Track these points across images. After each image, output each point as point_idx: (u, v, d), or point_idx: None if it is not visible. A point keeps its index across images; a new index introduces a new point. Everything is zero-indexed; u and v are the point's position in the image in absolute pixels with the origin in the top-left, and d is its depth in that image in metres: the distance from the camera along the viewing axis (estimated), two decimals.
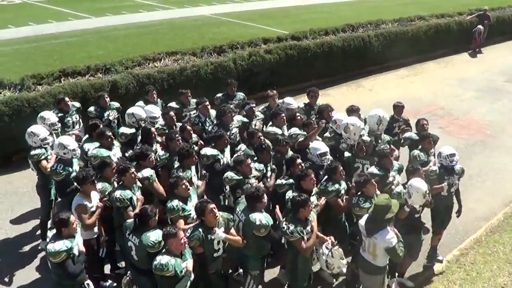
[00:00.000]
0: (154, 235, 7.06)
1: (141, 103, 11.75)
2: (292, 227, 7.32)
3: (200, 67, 16.12)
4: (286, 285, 8.61)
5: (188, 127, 10.31)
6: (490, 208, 11.77)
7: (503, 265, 9.68)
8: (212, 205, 7.18)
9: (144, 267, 7.21)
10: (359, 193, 8.22)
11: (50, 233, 9.78)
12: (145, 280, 7.35)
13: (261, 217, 7.51)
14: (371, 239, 7.32)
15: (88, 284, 7.22)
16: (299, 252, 7.51)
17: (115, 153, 9.74)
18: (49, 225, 10.01)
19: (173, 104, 11.94)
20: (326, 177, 8.75)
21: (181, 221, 7.91)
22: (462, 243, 10.47)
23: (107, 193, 8.46)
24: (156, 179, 8.98)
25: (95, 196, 8.18)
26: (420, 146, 10.12)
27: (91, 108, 11.61)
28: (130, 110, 10.84)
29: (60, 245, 6.74)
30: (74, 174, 9.11)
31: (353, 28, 21.72)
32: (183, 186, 8.04)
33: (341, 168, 8.69)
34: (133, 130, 10.48)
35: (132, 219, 7.42)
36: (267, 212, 7.77)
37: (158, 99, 12.34)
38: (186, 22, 28.32)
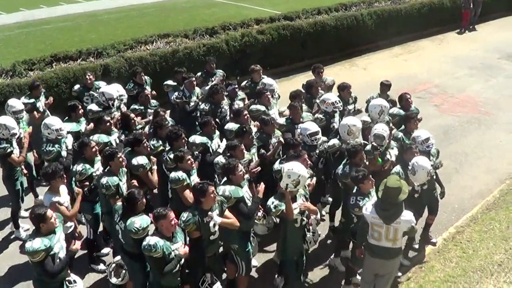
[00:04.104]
0: (139, 221, 7.00)
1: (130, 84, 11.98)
2: (276, 202, 7.32)
3: (193, 49, 16.04)
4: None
5: (162, 112, 10.29)
6: (486, 185, 11.75)
7: (499, 242, 9.66)
8: (213, 188, 7.14)
9: (134, 251, 7.20)
10: (354, 191, 7.95)
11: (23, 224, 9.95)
12: (135, 264, 7.36)
13: (225, 189, 7.57)
14: (390, 226, 7.11)
15: (74, 281, 6.99)
16: (287, 225, 7.46)
17: (115, 138, 9.75)
18: (22, 214, 10.18)
19: (170, 82, 12.22)
20: (346, 160, 8.68)
21: (188, 191, 7.95)
22: (458, 221, 10.45)
23: (86, 175, 8.40)
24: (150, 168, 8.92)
25: (64, 190, 8.01)
26: (403, 127, 9.96)
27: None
28: (101, 89, 10.96)
29: (38, 243, 6.43)
30: (63, 152, 9.19)
31: (346, 7, 21.61)
32: (188, 162, 8.10)
33: (363, 152, 8.61)
34: (100, 109, 10.61)
35: (121, 203, 7.41)
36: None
37: (147, 78, 12.49)
38: (177, 4, 28.17)
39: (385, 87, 11.53)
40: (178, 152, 8.27)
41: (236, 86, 11.61)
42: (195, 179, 8.25)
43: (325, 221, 10.07)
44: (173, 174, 8.08)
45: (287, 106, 10.60)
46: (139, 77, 12.12)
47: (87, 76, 11.80)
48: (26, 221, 10.00)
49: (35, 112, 10.92)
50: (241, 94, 11.68)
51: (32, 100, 10.96)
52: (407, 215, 7.13)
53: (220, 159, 8.69)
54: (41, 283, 6.76)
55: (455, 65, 20.04)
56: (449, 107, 16.07)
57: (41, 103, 11.20)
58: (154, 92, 11.97)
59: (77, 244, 6.93)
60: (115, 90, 10.93)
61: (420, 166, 8.18)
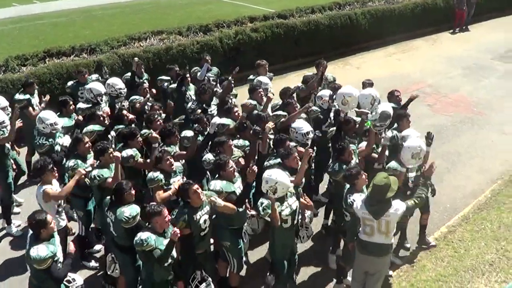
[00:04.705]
0: (129, 211, 7.05)
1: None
2: (265, 204, 7.24)
3: (186, 46, 16.02)
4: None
5: (156, 106, 10.47)
6: (478, 185, 11.78)
7: (491, 242, 9.71)
8: (195, 186, 7.11)
9: (125, 244, 7.21)
10: (349, 188, 7.85)
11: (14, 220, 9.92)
12: (126, 257, 7.38)
13: (216, 183, 7.58)
14: (381, 219, 7.09)
15: (73, 279, 6.75)
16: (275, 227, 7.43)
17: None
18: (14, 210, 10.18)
19: (164, 77, 12.33)
20: (334, 157, 8.69)
21: (161, 192, 7.90)
22: (450, 221, 10.47)
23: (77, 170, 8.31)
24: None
25: (55, 184, 7.98)
26: (396, 125, 9.86)
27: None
28: (88, 86, 10.91)
29: (45, 251, 6.29)
30: (57, 147, 9.20)
31: (340, 6, 21.58)
32: (167, 162, 8.05)
33: (351, 148, 8.59)
34: (89, 105, 10.60)
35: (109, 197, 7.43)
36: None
37: (145, 73, 12.55)
38: (172, 1, 28.06)
39: (367, 86, 11.52)
40: (158, 153, 8.25)
41: (232, 81, 11.60)
42: (178, 180, 8.16)
43: (317, 217, 10.08)
44: (150, 174, 8.07)
45: (284, 104, 10.54)
46: (138, 69, 12.18)
47: (81, 76, 11.73)
48: (17, 217, 10.02)
49: (30, 108, 10.85)
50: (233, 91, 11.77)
51: (27, 97, 10.89)
52: (395, 205, 7.09)
53: (208, 156, 8.65)
54: None
55: (448, 65, 20.08)
56: (442, 107, 16.10)
57: (35, 100, 11.14)
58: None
59: (71, 246, 6.80)
60: (102, 86, 10.90)
61: (405, 146, 8.27)
